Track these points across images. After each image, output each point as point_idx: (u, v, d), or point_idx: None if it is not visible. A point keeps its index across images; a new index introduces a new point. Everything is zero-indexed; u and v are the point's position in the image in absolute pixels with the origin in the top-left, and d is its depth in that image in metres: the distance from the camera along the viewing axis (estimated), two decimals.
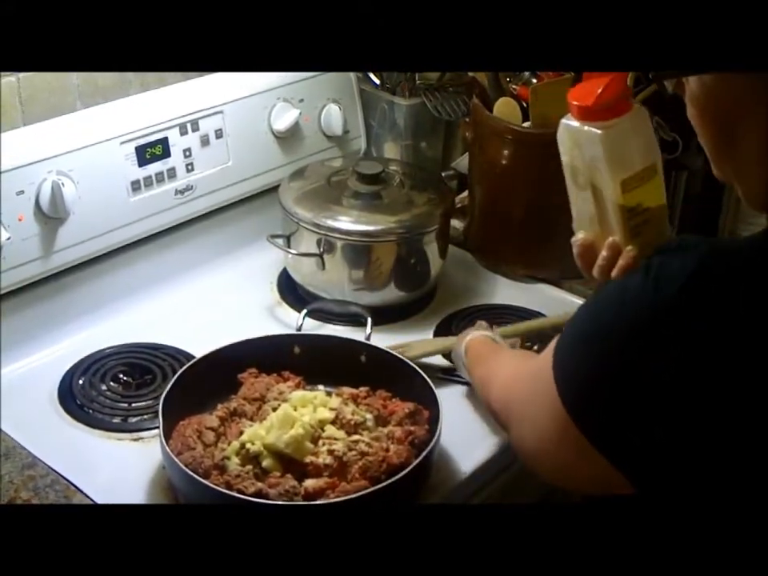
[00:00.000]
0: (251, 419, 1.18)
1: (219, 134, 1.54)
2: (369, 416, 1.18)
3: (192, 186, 1.51)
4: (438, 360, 1.38)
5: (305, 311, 1.42)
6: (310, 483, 1.08)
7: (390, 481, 1.06)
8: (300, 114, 1.62)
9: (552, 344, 0.86)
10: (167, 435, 1.13)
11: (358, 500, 1.03)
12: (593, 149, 0.98)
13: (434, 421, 1.16)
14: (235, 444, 1.12)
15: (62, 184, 1.31)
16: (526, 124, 1.53)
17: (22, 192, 1.30)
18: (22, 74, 1.36)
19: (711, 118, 0.80)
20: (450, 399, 1.23)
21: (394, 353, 1.28)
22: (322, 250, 1.46)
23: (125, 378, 1.33)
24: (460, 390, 1.33)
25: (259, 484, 1.06)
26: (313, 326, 1.44)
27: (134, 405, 1.29)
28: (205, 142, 1.52)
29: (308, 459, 1.10)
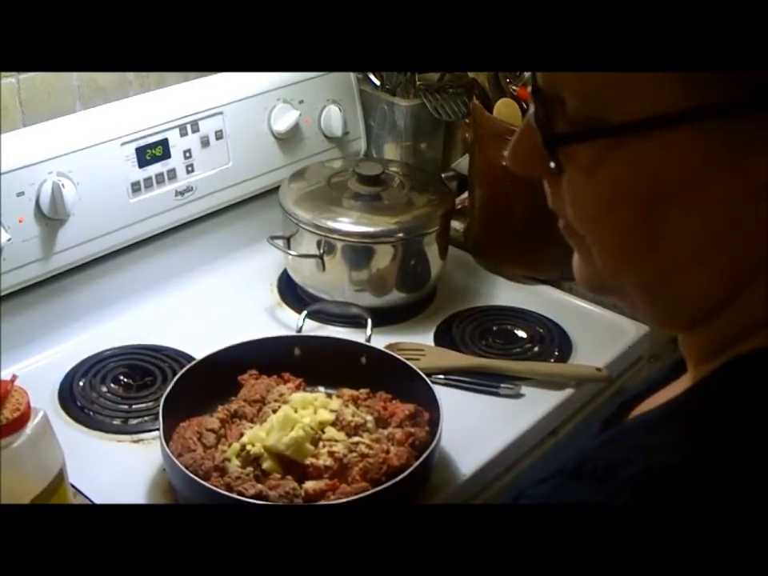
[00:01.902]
0: (251, 421, 1.18)
1: (219, 135, 1.54)
2: (369, 418, 1.18)
3: (192, 188, 1.51)
4: None
5: (305, 313, 1.42)
6: (310, 485, 1.07)
7: (390, 483, 1.06)
8: (300, 115, 1.62)
9: None
10: (167, 437, 1.13)
11: (359, 502, 1.03)
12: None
13: (434, 422, 1.16)
14: (235, 446, 1.12)
15: (62, 185, 1.31)
16: None
17: (23, 193, 1.30)
18: (21, 75, 1.36)
19: (641, 194, 0.58)
20: (451, 401, 1.22)
21: (394, 354, 1.28)
22: (322, 251, 1.46)
23: (125, 380, 1.32)
24: (461, 391, 1.33)
25: (259, 486, 1.06)
26: (313, 328, 1.44)
27: (134, 406, 1.28)
28: (205, 143, 1.52)
29: (308, 461, 1.10)
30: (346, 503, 1.03)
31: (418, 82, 1.74)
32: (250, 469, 1.09)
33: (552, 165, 0.60)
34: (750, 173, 0.55)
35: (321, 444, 1.13)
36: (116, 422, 1.26)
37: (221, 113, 1.54)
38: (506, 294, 1.58)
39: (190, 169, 1.50)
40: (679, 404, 0.62)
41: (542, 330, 1.47)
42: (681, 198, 0.57)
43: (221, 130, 1.54)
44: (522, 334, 1.47)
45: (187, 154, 1.50)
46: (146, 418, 1.26)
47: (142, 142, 1.43)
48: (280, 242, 1.51)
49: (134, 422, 1.26)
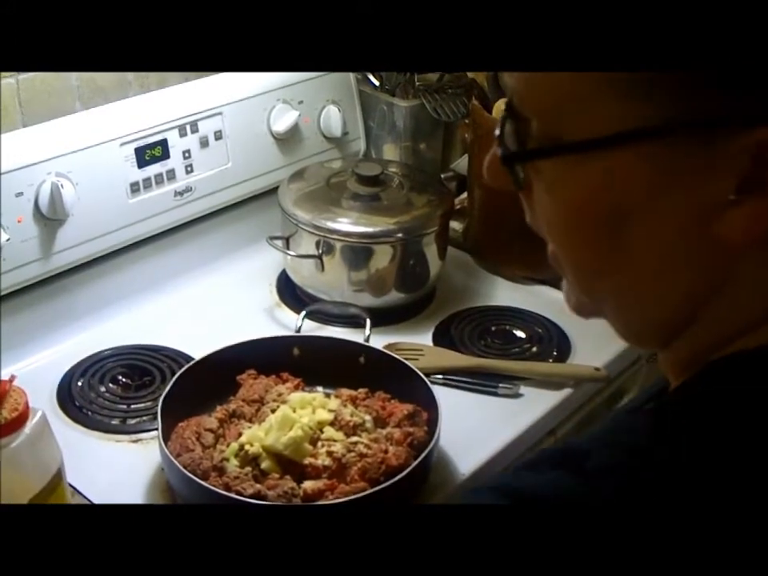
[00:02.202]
0: (250, 421, 1.18)
1: (218, 135, 1.54)
2: (368, 417, 1.18)
3: (191, 188, 1.51)
4: None
5: (304, 313, 1.42)
6: (308, 485, 1.07)
7: (388, 482, 1.06)
8: (299, 115, 1.63)
9: None
10: (166, 437, 1.13)
11: (357, 501, 1.03)
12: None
13: (433, 422, 1.16)
14: (234, 445, 1.12)
15: (62, 185, 1.31)
16: None
17: (21, 193, 1.30)
18: (21, 76, 1.36)
19: (598, 213, 0.58)
20: (449, 401, 1.23)
21: (393, 354, 1.28)
22: (321, 251, 1.46)
23: (124, 380, 1.33)
24: (459, 391, 1.33)
25: (258, 485, 1.06)
26: (312, 328, 1.44)
27: (132, 406, 1.29)
28: (204, 143, 1.52)
29: (307, 461, 1.10)
30: (344, 503, 1.03)
31: (417, 83, 1.74)
32: (248, 468, 1.09)
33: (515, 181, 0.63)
34: (709, 190, 0.55)
35: (319, 444, 1.13)
36: (114, 421, 1.26)
37: (220, 113, 1.54)
38: (505, 294, 1.58)
39: (189, 169, 1.50)
40: (656, 408, 0.64)
41: (540, 330, 1.47)
42: (641, 215, 0.57)
43: (220, 131, 1.54)
44: (520, 334, 1.47)
45: (186, 155, 1.50)
46: (144, 418, 1.26)
47: (141, 143, 1.43)
48: (279, 243, 1.51)
49: (132, 421, 1.26)
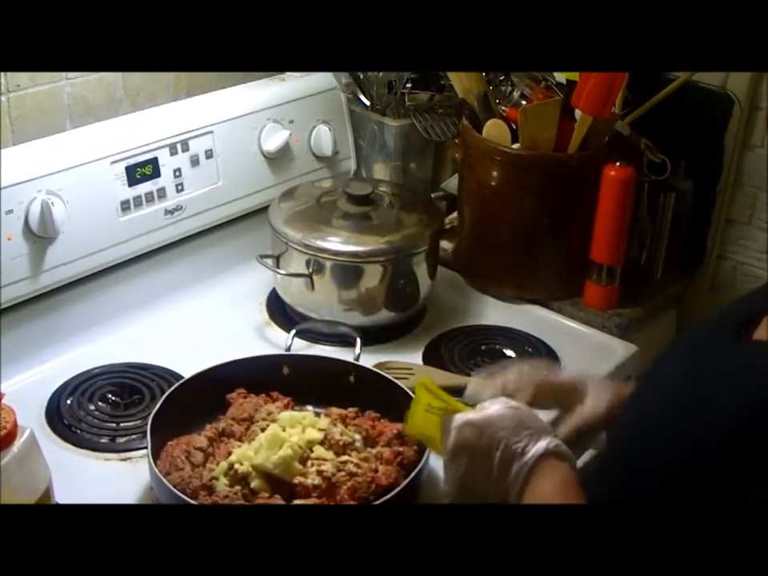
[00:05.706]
0: (240, 440, 1.18)
1: (209, 154, 1.54)
2: (357, 437, 1.18)
3: (182, 206, 1.51)
4: None
5: (294, 331, 1.42)
6: (298, 504, 1.07)
7: (378, 501, 1.06)
8: (290, 134, 1.63)
9: None
10: (155, 455, 1.12)
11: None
12: None
13: None
14: (223, 464, 1.11)
15: (52, 203, 1.31)
16: (515, 145, 1.53)
17: (11, 211, 1.29)
18: (12, 93, 1.37)
19: None
20: None
21: (383, 373, 1.28)
22: (311, 270, 1.46)
23: (113, 398, 1.32)
24: None
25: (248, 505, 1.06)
26: (302, 347, 1.44)
27: (122, 425, 1.28)
28: (195, 162, 1.52)
29: (297, 480, 1.10)
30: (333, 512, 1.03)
31: (407, 102, 1.75)
32: (238, 488, 1.09)
33: None
34: None
35: (309, 463, 1.12)
36: (103, 440, 1.25)
37: (211, 132, 1.54)
38: (495, 313, 1.58)
39: (179, 188, 1.50)
40: None
41: (530, 350, 1.47)
42: None
43: (211, 150, 1.54)
44: (510, 352, 1.47)
45: (177, 173, 1.50)
46: (133, 437, 1.26)
47: (131, 161, 1.43)
48: (269, 261, 1.51)
49: (121, 440, 1.26)
